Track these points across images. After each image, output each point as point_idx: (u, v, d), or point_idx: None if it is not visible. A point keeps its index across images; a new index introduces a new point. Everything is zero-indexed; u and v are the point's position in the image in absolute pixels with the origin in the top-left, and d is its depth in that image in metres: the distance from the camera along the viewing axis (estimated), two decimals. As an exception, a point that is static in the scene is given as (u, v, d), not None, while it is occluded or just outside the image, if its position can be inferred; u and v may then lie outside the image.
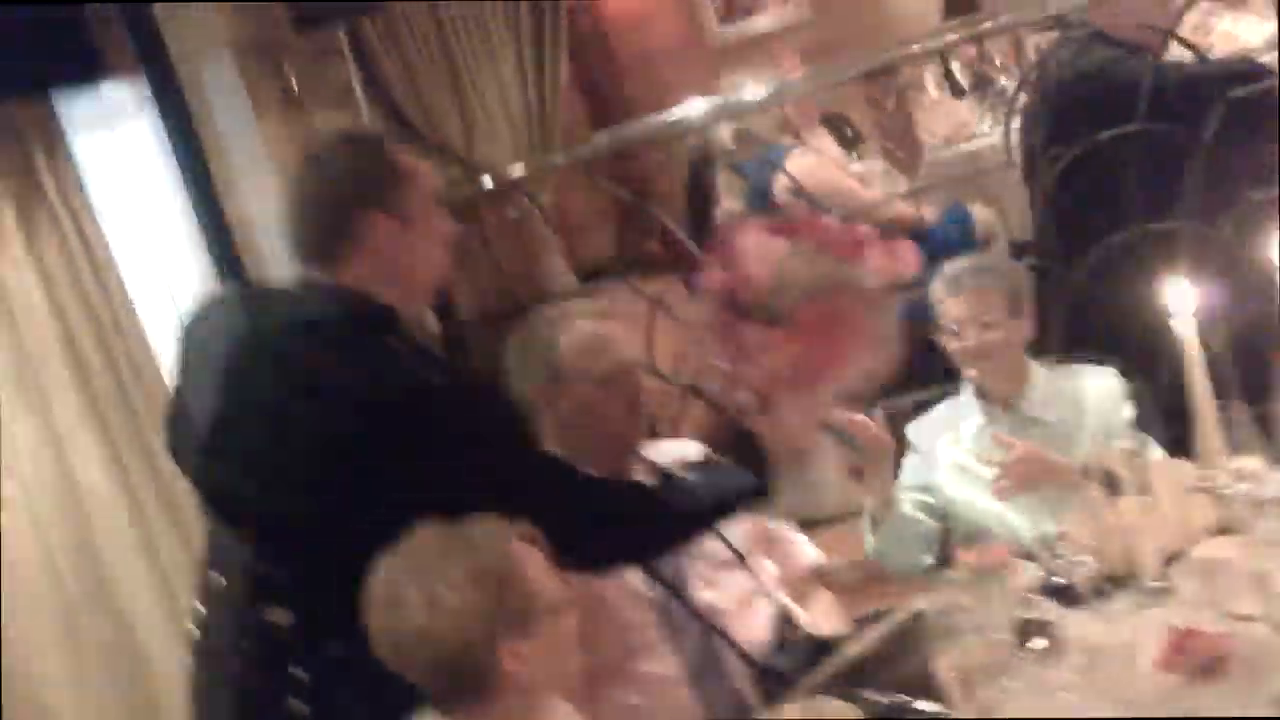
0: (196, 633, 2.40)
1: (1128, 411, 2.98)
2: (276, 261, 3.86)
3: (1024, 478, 2.80)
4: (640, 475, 2.71)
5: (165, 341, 3.78)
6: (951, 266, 3.09)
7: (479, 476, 2.21)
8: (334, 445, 2.17)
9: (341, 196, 2.29)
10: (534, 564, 1.96)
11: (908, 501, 2.99)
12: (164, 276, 3.90)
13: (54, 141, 3.59)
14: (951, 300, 3.03)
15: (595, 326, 2.74)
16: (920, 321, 3.91)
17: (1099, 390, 3.03)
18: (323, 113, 4.27)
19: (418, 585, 1.91)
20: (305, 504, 2.22)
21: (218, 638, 2.35)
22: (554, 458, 2.44)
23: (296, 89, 4.07)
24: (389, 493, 2.15)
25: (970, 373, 3.05)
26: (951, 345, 3.04)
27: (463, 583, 1.89)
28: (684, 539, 2.53)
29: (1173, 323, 1.98)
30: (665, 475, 2.64)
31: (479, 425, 2.27)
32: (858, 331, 2.24)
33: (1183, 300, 1.97)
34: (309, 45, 4.16)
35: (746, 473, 2.40)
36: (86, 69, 3.70)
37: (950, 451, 3.03)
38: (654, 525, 2.42)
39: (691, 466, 2.55)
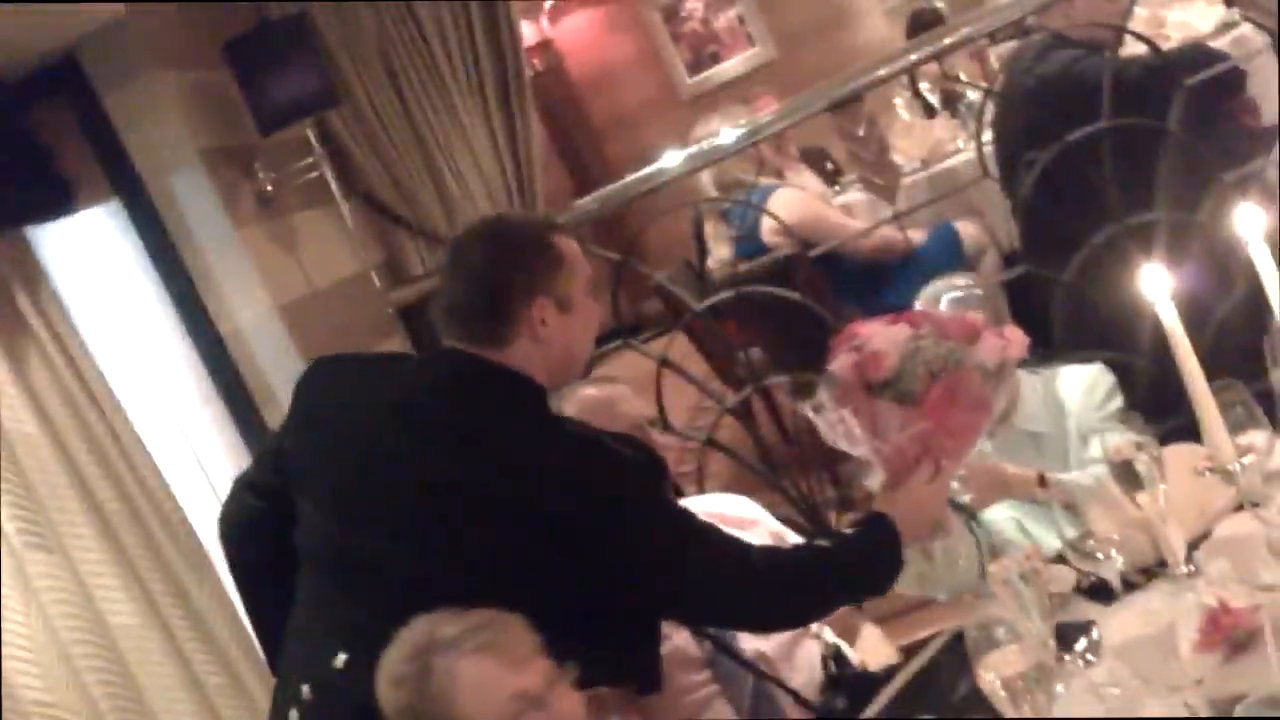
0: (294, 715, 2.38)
1: (1116, 403, 2.99)
2: (271, 368, 3.88)
3: (982, 491, 2.81)
4: None
5: (172, 462, 3.79)
6: (930, 289, 3.13)
7: (657, 547, 2.30)
8: (518, 517, 2.25)
9: (509, 283, 2.36)
10: (474, 679, 1.99)
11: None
12: (162, 395, 3.90)
13: (34, 273, 3.55)
14: None
15: (598, 390, 2.80)
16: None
17: (1081, 388, 3.04)
18: (301, 211, 4.29)
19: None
20: (482, 576, 2.27)
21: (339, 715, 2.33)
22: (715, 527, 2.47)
23: (271, 190, 4.08)
24: (566, 564, 2.24)
25: None
26: None
27: (387, 681, 2.03)
28: (828, 611, 2.59)
29: (1155, 309, 1.98)
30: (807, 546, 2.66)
31: (658, 495, 2.37)
32: (979, 408, 2.39)
33: (1160, 286, 1.96)
34: (278, 146, 4.17)
35: (878, 549, 2.43)
36: (58, 200, 3.70)
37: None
38: (807, 595, 2.44)
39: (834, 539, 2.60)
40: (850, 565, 2.44)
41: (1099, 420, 2.95)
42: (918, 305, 3.10)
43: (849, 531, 2.50)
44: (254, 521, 2.59)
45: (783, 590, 2.39)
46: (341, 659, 2.28)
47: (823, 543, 2.53)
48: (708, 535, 2.36)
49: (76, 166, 3.77)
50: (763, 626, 2.56)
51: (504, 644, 2.03)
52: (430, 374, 2.48)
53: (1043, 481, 2.77)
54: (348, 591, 2.38)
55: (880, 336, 2.44)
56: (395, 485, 2.33)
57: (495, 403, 2.36)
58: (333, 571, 2.42)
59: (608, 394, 2.78)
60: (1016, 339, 2.48)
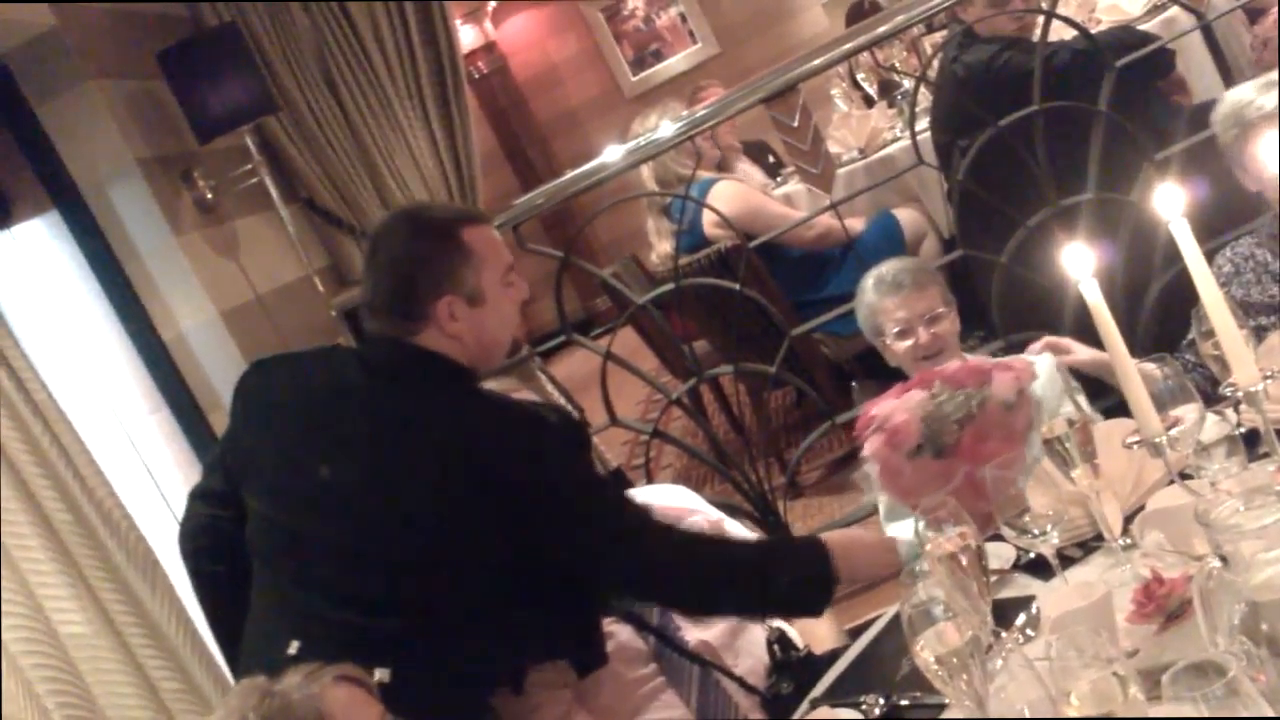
0: None
1: (1065, 385, 3.01)
2: (216, 374, 3.87)
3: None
4: None
5: (121, 470, 3.77)
6: (885, 270, 3.13)
7: (574, 502, 2.35)
8: (444, 484, 2.28)
9: (417, 278, 2.40)
10: (345, 709, 1.97)
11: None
12: (108, 405, 3.88)
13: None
14: (893, 301, 3.07)
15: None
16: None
17: (1043, 379, 3.05)
18: (242, 218, 4.28)
19: None
20: (411, 547, 2.31)
21: None
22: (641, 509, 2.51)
23: (211, 198, 4.07)
24: (492, 535, 2.27)
25: (935, 368, 3.03)
26: (900, 346, 3.06)
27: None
28: (737, 606, 2.60)
29: (1079, 287, 2.00)
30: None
31: (576, 454, 2.41)
32: (1009, 437, 2.51)
33: (1082, 264, 1.98)
34: (217, 153, 4.16)
35: (807, 572, 2.49)
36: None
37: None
38: (717, 582, 2.48)
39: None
40: (772, 571, 2.49)
41: (1057, 401, 2.97)
42: (870, 291, 3.13)
43: (788, 542, 2.54)
44: (211, 530, 2.60)
45: (694, 571, 2.44)
46: (295, 646, 2.30)
47: (758, 543, 2.56)
48: (625, 504, 2.42)
49: (13, 179, 3.75)
50: (673, 601, 2.55)
51: (360, 677, 2.03)
52: (358, 358, 2.52)
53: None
54: (296, 578, 2.40)
55: (898, 409, 2.57)
56: (331, 466, 2.36)
57: (417, 380, 2.40)
58: (280, 561, 2.44)
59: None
60: (1022, 366, 2.63)
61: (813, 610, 2.60)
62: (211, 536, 2.60)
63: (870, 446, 2.60)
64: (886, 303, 3.09)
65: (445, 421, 2.35)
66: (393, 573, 2.32)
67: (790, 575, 2.50)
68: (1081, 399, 2.97)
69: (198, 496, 2.67)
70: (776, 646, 2.72)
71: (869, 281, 3.15)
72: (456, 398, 2.40)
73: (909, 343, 3.06)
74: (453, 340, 2.41)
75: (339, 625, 2.31)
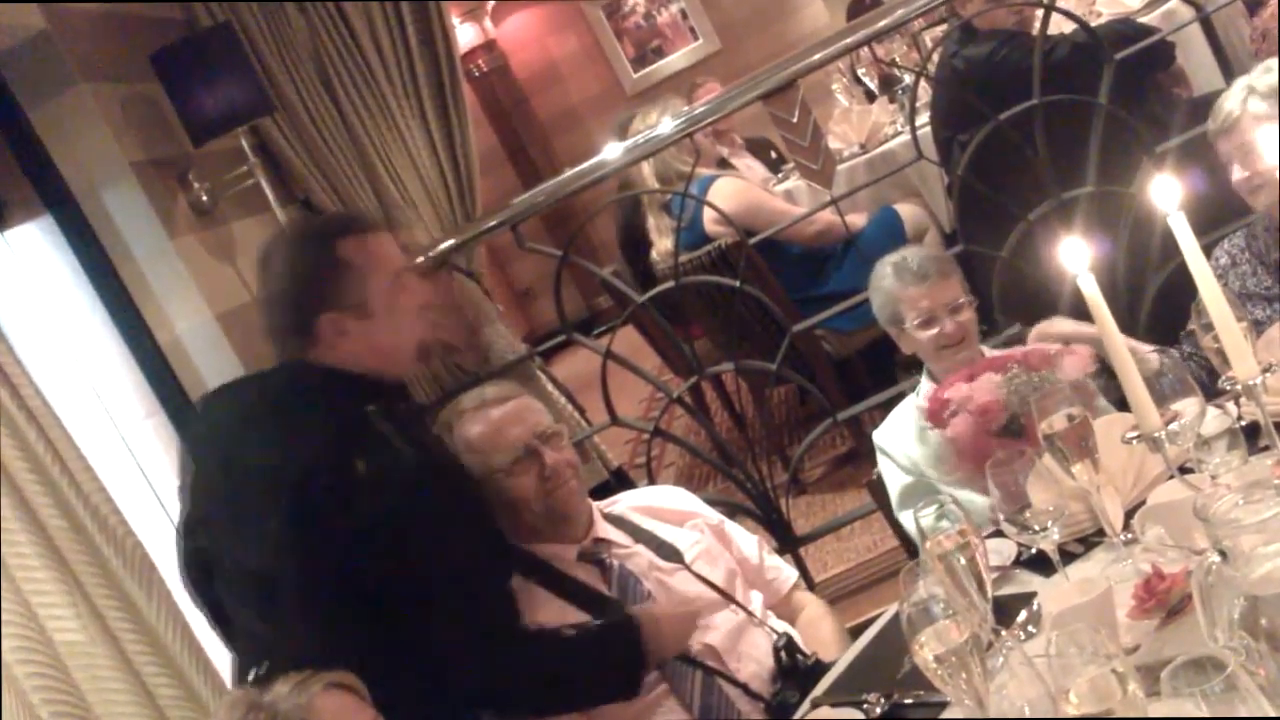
0: None
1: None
2: (212, 378, 3.86)
3: None
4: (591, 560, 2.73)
5: (117, 475, 3.76)
6: (907, 258, 3.09)
7: (426, 561, 2.28)
8: (290, 511, 2.23)
9: (296, 298, 2.35)
10: (335, 718, 1.95)
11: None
12: (104, 410, 3.87)
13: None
14: (918, 290, 3.02)
15: (483, 422, 2.74)
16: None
17: None
18: (238, 220, 4.27)
19: None
20: (270, 563, 2.28)
21: None
22: (495, 584, 2.44)
23: (206, 200, 4.06)
24: (359, 560, 2.22)
25: (958, 357, 3.00)
26: (923, 335, 3.01)
27: None
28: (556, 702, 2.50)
29: (1077, 281, 1.98)
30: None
31: (442, 512, 2.33)
32: None
33: (1079, 258, 1.95)
34: (212, 155, 4.15)
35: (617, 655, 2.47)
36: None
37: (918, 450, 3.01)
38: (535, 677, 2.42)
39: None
40: (586, 663, 2.46)
41: None
42: (892, 279, 3.08)
43: (595, 630, 2.50)
44: (197, 564, 2.60)
45: (515, 660, 2.37)
46: (264, 666, 2.28)
47: (567, 633, 2.49)
48: (472, 575, 2.35)
49: (5, 184, 3.73)
50: (485, 687, 2.42)
51: (352, 684, 2.01)
52: (259, 383, 2.51)
53: None
54: (246, 605, 2.41)
55: (979, 390, 2.67)
56: (236, 492, 2.35)
57: (307, 402, 2.35)
58: (231, 589, 2.45)
59: (495, 417, 2.74)
60: (1086, 352, 2.73)
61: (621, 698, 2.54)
62: (199, 569, 2.60)
63: (955, 428, 2.70)
64: (910, 291, 3.03)
65: (306, 452, 2.28)
66: (324, 600, 2.28)
67: (601, 670, 2.48)
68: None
69: (180, 529, 2.67)
70: (783, 653, 2.68)
71: (888, 269, 3.09)
72: (333, 419, 2.32)
73: (933, 331, 3.01)
74: (345, 355, 2.36)
75: (298, 648, 2.29)
